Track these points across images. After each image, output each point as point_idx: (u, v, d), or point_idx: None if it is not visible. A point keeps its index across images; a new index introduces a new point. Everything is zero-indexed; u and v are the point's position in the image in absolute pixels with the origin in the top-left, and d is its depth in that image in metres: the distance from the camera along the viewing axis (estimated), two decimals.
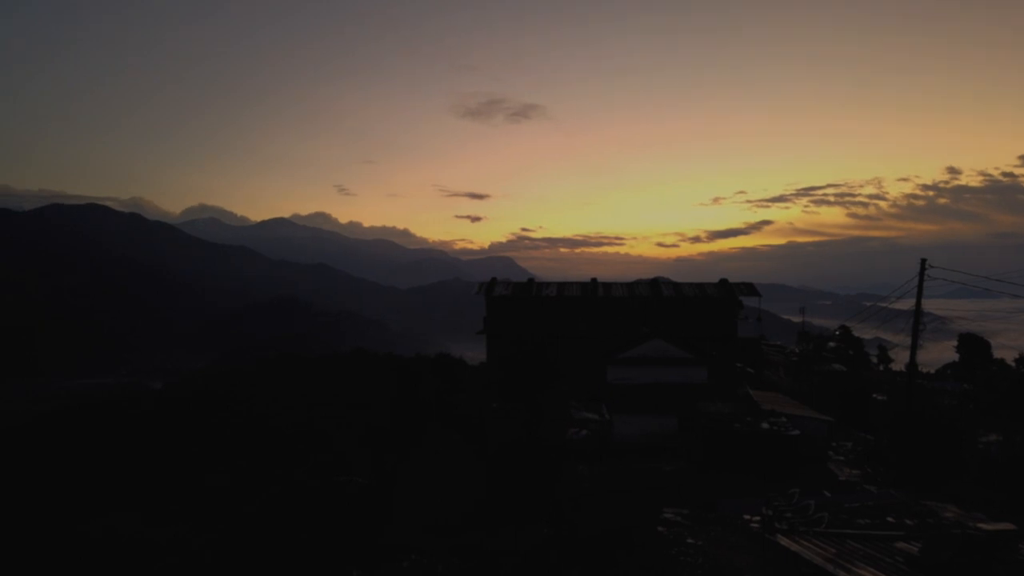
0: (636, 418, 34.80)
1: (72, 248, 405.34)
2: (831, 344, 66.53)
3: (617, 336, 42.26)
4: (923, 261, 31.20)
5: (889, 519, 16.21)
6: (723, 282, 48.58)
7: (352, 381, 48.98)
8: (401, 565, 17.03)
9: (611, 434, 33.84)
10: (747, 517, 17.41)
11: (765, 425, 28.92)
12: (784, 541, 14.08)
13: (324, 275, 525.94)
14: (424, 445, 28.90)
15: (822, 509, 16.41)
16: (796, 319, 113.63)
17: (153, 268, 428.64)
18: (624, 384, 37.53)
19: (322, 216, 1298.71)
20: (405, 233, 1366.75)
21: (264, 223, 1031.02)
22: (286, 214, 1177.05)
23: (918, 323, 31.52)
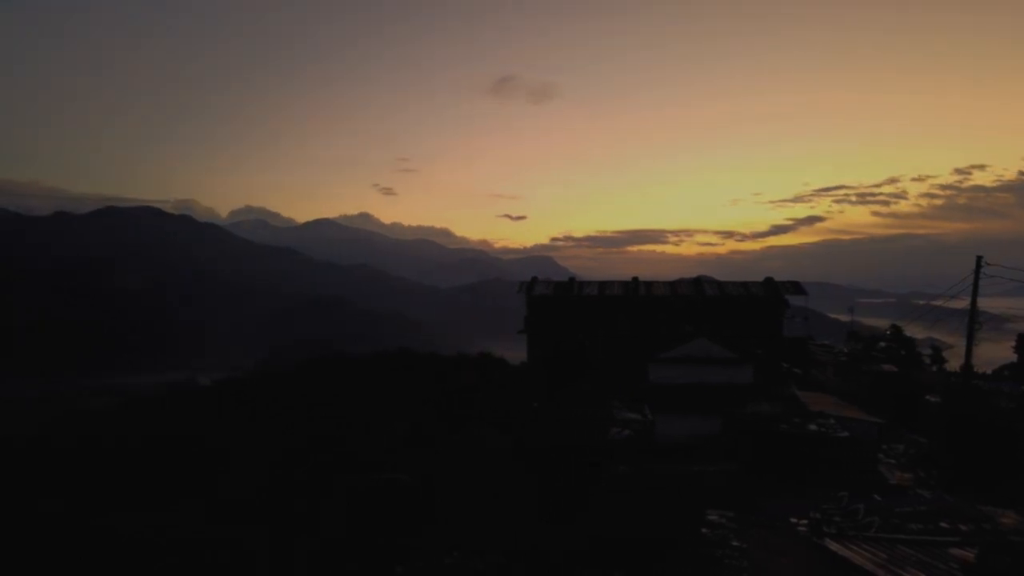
0: (679, 418, 34.45)
1: (126, 249, 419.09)
2: (881, 344, 64.74)
3: (659, 335, 41.93)
4: (979, 259, 30.23)
5: (943, 524, 15.75)
6: (768, 281, 47.75)
7: (395, 380, 49.60)
8: (443, 563, 17.20)
9: (653, 434, 33.57)
10: (794, 520, 17.12)
11: (813, 427, 28.36)
12: (833, 545, 13.82)
13: (367, 275, 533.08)
14: (466, 444, 29.10)
15: (872, 513, 16.04)
16: (844, 318, 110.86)
17: (203, 269, 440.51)
18: (667, 384, 37.18)
19: (365, 216, 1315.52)
20: (446, 233, 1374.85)
21: (309, 224, 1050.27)
22: (331, 215, 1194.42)
23: (974, 322, 30.53)
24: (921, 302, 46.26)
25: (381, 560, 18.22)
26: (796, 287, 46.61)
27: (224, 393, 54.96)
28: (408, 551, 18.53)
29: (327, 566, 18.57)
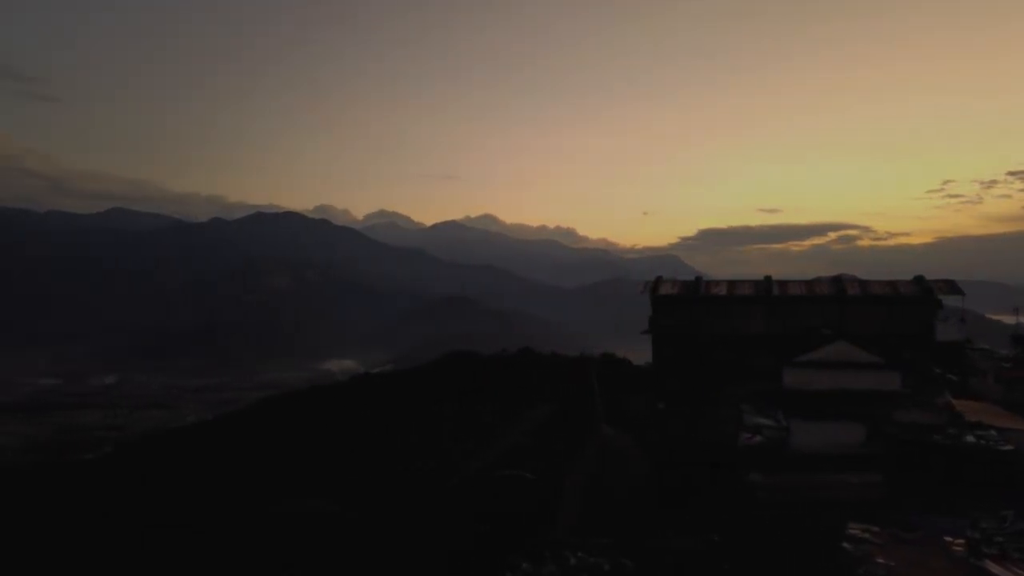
0: (817, 425, 32.59)
1: (274, 252, 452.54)
2: None
3: (795, 338, 39.87)
4: None
5: None
6: (919, 279, 44.17)
7: (521, 379, 50.39)
8: (568, 562, 17.30)
9: (788, 442, 32.00)
10: (948, 539, 15.79)
11: (970, 438, 26.00)
12: (995, 568, 12.65)
13: (492, 276, 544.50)
14: (591, 443, 29.09)
15: None
16: (1009, 319, 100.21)
17: (340, 269, 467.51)
18: (803, 389, 35.28)
19: (489, 218, 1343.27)
20: (570, 232, 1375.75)
21: (436, 226, 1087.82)
22: (456, 217, 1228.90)
23: None
24: None
25: (507, 555, 18.60)
26: (951, 286, 42.78)
27: (368, 387, 58.17)
28: (532, 549, 18.79)
29: (455, 557, 19.21)
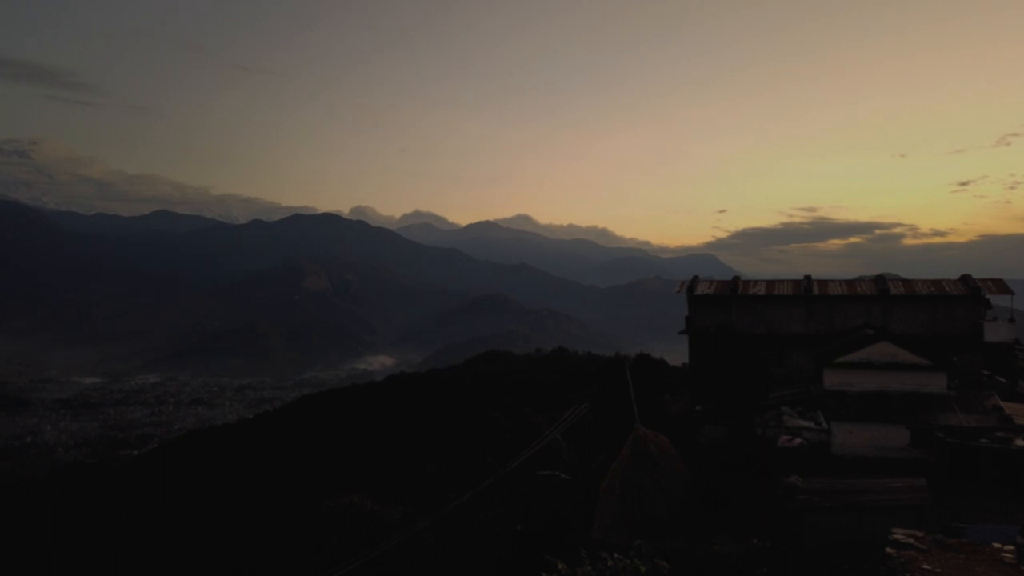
0: (858, 428, 31.92)
1: (312, 253, 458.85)
2: None
3: (835, 338, 39.10)
4: None
5: None
6: (965, 278, 42.91)
7: (555, 378, 50.37)
8: (605, 564, 17.26)
9: (829, 444, 31.43)
10: (997, 546, 15.33)
11: (1020, 442, 25.20)
12: None
13: (526, 275, 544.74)
14: (627, 445, 28.98)
15: None
16: None
17: (377, 269, 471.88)
18: (844, 391, 34.59)
19: (524, 218, 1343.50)
20: (604, 232, 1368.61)
21: (471, 226, 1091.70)
22: (491, 217, 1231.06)
23: None
24: None
25: (543, 554, 18.65)
26: (1000, 285, 41.46)
27: (395, 389, 58.79)
28: (568, 548, 18.81)
29: (492, 553, 19.35)
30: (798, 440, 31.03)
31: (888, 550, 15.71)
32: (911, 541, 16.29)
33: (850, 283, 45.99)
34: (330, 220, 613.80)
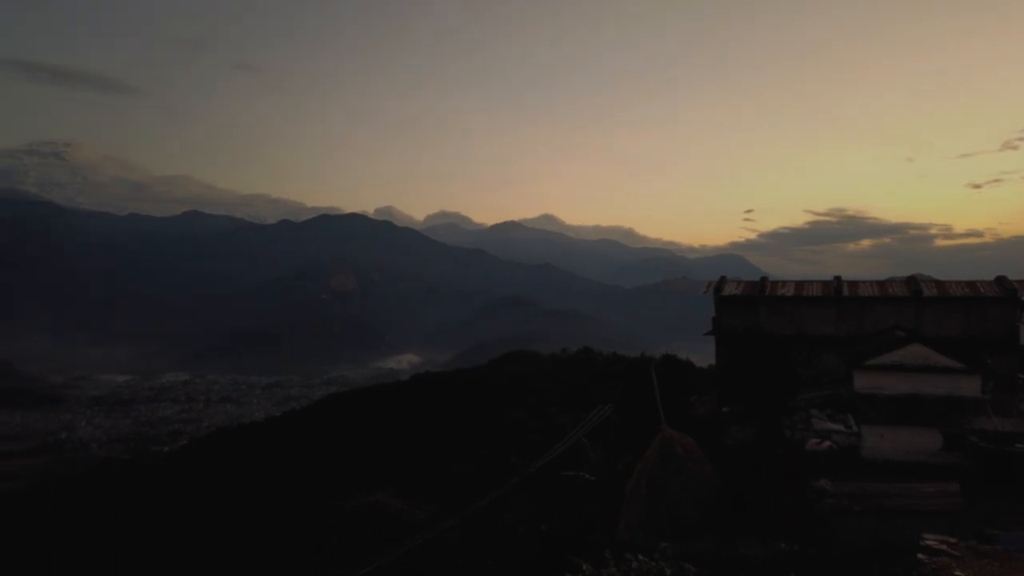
0: (889, 431, 31.38)
1: (338, 253, 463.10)
2: None
3: (865, 340, 38.46)
4: None
5: None
6: (1001, 279, 41.94)
7: (580, 378, 50.24)
8: (630, 565, 17.19)
9: (859, 448, 30.94)
10: None
11: None
12: None
13: (551, 275, 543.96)
14: (653, 446, 28.83)
15: None
16: None
17: (402, 269, 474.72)
18: (874, 393, 34.00)
19: (548, 218, 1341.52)
20: (630, 232, 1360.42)
21: (496, 226, 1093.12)
22: (516, 217, 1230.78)
23: None
24: None
25: (567, 554, 18.63)
26: None
27: (421, 388, 59.12)
28: (593, 548, 18.77)
29: (515, 553, 19.37)
30: (827, 443, 30.59)
31: (920, 556, 15.43)
32: (944, 547, 15.99)
33: (881, 284, 45.21)
34: (356, 220, 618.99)
